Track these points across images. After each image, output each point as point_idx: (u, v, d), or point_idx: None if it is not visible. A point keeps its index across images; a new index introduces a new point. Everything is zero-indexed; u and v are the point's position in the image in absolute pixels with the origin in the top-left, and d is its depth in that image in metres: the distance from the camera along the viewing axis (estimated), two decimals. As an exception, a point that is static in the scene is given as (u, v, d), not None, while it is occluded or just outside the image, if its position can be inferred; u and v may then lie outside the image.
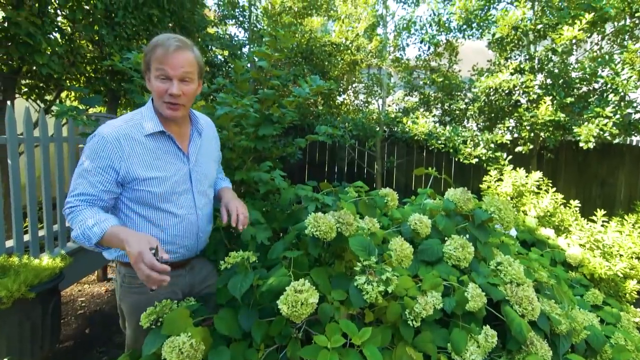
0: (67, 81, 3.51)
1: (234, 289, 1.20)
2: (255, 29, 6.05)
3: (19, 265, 2.11)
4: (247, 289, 1.21)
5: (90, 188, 1.19)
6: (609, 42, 5.16)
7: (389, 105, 6.36)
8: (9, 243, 2.51)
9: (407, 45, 5.95)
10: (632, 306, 2.72)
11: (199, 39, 4.81)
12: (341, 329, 1.16)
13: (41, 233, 2.75)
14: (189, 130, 1.40)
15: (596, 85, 4.59)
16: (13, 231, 2.48)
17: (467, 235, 1.69)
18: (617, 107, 4.01)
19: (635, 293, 2.99)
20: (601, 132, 3.97)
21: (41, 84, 3.46)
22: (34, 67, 2.83)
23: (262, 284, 1.24)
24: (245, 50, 5.79)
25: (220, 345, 1.19)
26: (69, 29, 3.27)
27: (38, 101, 3.62)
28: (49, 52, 2.79)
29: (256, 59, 2.26)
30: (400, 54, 5.99)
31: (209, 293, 1.51)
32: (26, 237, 2.61)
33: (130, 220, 1.30)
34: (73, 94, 4.58)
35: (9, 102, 2.65)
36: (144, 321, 1.21)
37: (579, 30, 3.99)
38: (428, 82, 5.63)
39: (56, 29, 3.00)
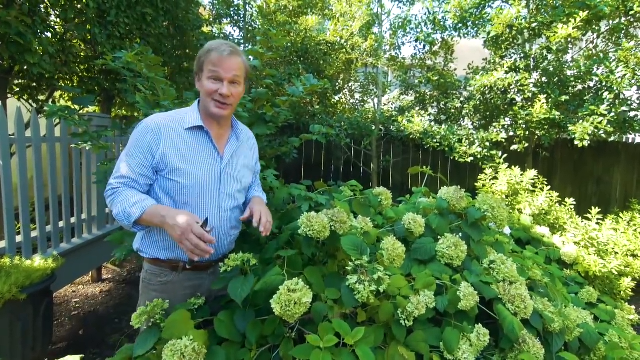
0: (60, 81, 3.48)
1: (234, 293, 1.17)
2: (250, 28, 6.04)
3: (10, 266, 2.09)
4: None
5: (129, 171, 1.28)
6: (604, 40, 5.17)
7: (385, 105, 6.36)
8: (1, 244, 2.48)
9: (403, 44, 5.96)
10: (626, 303, 2.72)
11: (194, 38, 4.78)
12: (334, 328, 1.16)
13: (34, 234, 2.73)
14: (228, 133, 1.45)
15: (591, 84, 4.61)
16: (5, 232, 2.46)
17: (461, 234, 1.68)
18: (611, 105, 4.03)
19: (630, 290, 3.00)
20: (596, 130, 3.98)
21: (33, 84, 3.43)
22: (25, 67, 2.80)
23: (254, 283, 1.22)
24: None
25: (214, 346, 1.18)
26: (60, 28, 3.24)
27: (30, 101, 3.59)
28: (40, 52, 2.76)
29: (251, 58, 2.25)
30: (396, 53, 6.00)
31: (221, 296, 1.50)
32: (19, 239, 2.59)
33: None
34: (67, 94, 4.55)
35: (0, 102, 2.63)
36: (135, 322, 1.19)
37: (574, 28, 4.00)
38: (424, 81, 5.64)
39: (48, 29, 2.97)
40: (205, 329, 1.21)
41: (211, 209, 1.36)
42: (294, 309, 1.05)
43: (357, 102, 6.47)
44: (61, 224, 3.00)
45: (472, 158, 4.62)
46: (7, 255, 2.24)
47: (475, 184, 4.16)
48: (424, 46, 5.73)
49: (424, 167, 2.61)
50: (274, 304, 1.07)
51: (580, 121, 4.08)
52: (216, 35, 5.81)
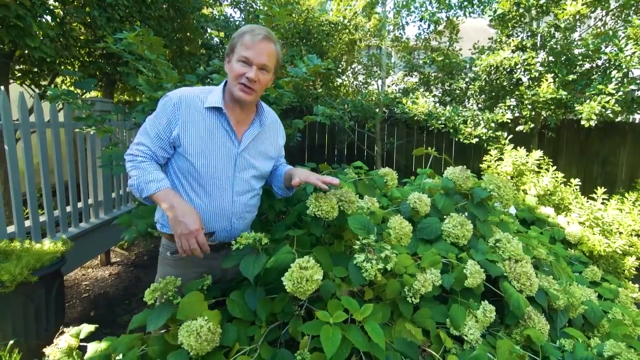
0: (61, 66, 3.45)
1: (246, 271, 1.19)
2: (251, 9, 5.92)
3: (20, 249, 2.13)
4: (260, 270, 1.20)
5: (148, 140, 1.30)
6: (613, 17, 5.05)
7: (389, 86, 6.29)
8: (11, 229, 2.52)
9: (407, 23, 5.84)
10: (630, 282, 2.74)
11: (194, 21, 4.71)
12: (343, 305, 1.17)
13: (43, 219, 2.76)
14: (251, 118, 1.41)
15: (599, 62, 4.52)
16: (14, 217, 2.49)
17: (466, 214, 1.69)
18: (620, 84, 3.96)
19: (634, 269, 3.02)
20: (603, 110, 3.93)
21: (35, 69, 3.41)
22: (27, 51, 2.77)
23: (265, 261, 1.23)
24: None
25: (225, 324, 1.20)
26: (60, 11, 3.20)
27: (33, 86, 3.57)
28: (40, 36, 2.73)
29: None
30: (400, 33, 5.89)
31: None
32: (27, 223, 2.62)
33: (173, 186, 1.34)
34: (69, 78, 4.52)
35: (2, 88, 2.62)
36: (148, 298, 1.19)
37: (583, 4, 3.90)
38: (428, 62, 5.55)
39: (47, 12, 2.93)
40: (217, 309, 1.23)
41: (224, 191, 1.35)
42: (305, 286, 1.06)
43: (361, 84, 6.40)
44: (68, 208, 3.03)
45: (477, 139, 4.58)
46: (16, 239, 2.27)
47: (480, 166, 4.15)
48: (429, 25, 5.62)
49: (429, 148, 2.60)
50: (285, 281, 1.08)
51: (588, 101, 4.02)
52: (217, 17, 5.70)
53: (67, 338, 1.48)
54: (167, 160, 1.36)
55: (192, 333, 1.05)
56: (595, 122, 3.94)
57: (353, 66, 6.37)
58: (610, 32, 4.21)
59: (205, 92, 1.35)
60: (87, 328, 1.49)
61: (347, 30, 5.72)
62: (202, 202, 1.34)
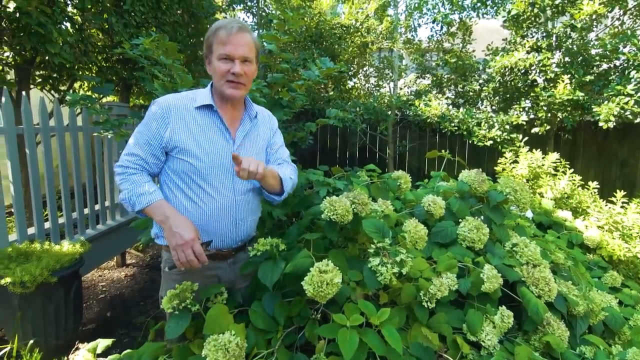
0: (80, 71, 3.53)
1: (265, 277, 1.19)
2: (263, 13, 5.98)
3: (40, 251, 2.18)
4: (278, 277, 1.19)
5: (139, 149, 1.27)
6: (631, 17, 4.94)
7: (401, 89, 6.26)
8: (31, 230, 2.58)
9: (419, 25, 5.82)
10: (652, 288, 2.66)
11: (208, 25, 4.77)
12: (359, 308, 1.16)
13: (61, 221, 2.83)
14: (241, 114, 1.39)
15: (617, 62, 4.43)
16: (34, 219, 2.55)
17: (482, 217, 1.67)
18: (639, 85, 3.86)
19: (656, 275, 2.93)
20: (622, 111, 3.84)
21: (54, 75, 3.50)
22: (47, 57, 2.85)
23: (284, 267, 1.23)
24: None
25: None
26: (78, 18, 3.28)
27: (52, 92, 3.67)
28: (60, 42, 2.81)
29: (265, 43, 2.24)
30: (412, 35, 5.86)
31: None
32: (47, 225, 2.69)
33: (169, 191, 1.31)
34: (86, 83, 4.63)
35: (24, 93, 2.70)
36: (167, 306, 1.17)
37: (600, 4, 3.82)
38: (441, 64, 5.51)
39: (66, 19, 3.01)
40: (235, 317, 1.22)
41: (225, 191, 1.31)
42: (326, 289, 1.06)
43: (373, 86, 6.39)
44: (86, 211, 3.09)
45: (491, 142, 4.52)
46: (36, 241, 2.33)
47: (495, 168, 4.09)
48: (441, 27, 5.58)
49: (442, 151, 2.58)
50: (306, 285, 1.08)
51: (606, 102, 3.94)
52: (229, 21, 5.77)
53: (83, 353, 1.46)
54: (161, 168, 1.33)
55: (221, 348, 1.02)
56: (614, 123, 3.85)
57: (365, 69, 6.37)
58: (629, 32, 4.12)
59: (192, 94, 1.34)
60: (103, 343, 1.46)
61: (359, 33, 5.73)
62: (205, 205, 1.29)
